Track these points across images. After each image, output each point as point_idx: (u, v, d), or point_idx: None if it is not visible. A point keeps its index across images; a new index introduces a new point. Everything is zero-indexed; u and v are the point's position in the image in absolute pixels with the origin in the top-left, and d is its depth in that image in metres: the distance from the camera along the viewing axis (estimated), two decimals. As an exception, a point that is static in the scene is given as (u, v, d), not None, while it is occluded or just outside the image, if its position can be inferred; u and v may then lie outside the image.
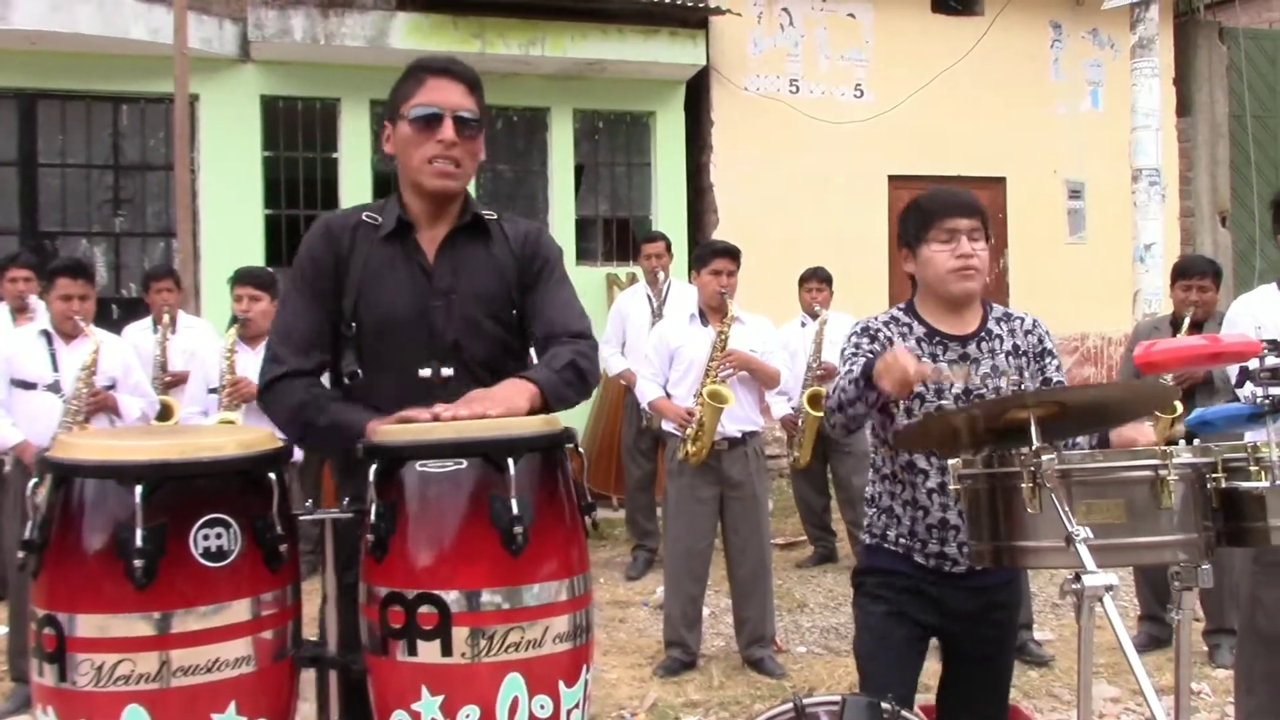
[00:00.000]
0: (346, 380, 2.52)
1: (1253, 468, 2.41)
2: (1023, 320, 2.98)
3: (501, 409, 2.21)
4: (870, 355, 2.78)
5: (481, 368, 2.51)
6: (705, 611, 5.74)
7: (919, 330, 2.90)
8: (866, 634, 2.95)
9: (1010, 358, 2.92)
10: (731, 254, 5.49)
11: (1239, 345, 2.48)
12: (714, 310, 5.50)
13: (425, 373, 2.47)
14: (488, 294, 2.52)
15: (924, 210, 2.90)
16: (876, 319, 2.94)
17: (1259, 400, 2.50)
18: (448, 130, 2.49)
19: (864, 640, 2.96)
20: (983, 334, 2.93)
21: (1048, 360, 2.96)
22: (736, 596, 5.50)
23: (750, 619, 5.42)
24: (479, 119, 2.57)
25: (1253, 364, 2.50)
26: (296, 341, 2.51)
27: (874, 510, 2.98)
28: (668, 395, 5.54)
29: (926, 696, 3.24)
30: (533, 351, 2.61)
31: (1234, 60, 12.08)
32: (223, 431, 2.51)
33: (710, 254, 5.52)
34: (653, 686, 5.16)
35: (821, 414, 6.83)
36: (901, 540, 2.89)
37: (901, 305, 2.99)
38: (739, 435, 5.40)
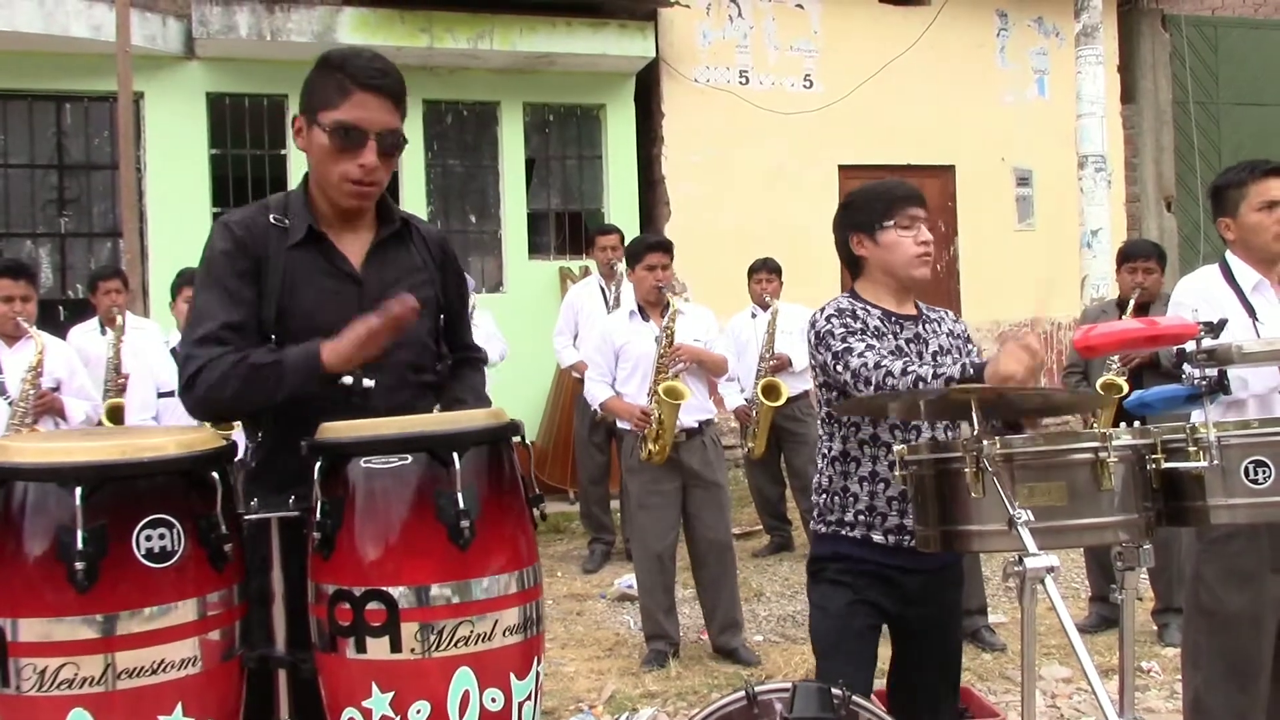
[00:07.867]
0: None
1: (1191, 448, 2.46)
2: (939, 312, 3.14)
3: None
4: (861, 331, 2.85)
5: (408, 369, 2.49)
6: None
7: (876, 313, 2.95)
8: (827, 622, 2.95)
9: (950, 338, 3.05)
10: (664, 247, 5.48)
11: (1176, 328, 2.52)
12: (652, 305, 5.50)
13: (347, 380, 2.32)
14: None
15: (887, 195, 2.97)
16: (839, 301, 2.96)
17: (1196, 382, 2.54)
18: (370, 155, 2.38)
19: (824, 629, 2.96)
20: (924, 317, 3.04)
21: (971, 348, 3.10)
22: (705, 585, 5.47)
23: (720, 606, 5.41)
24: (401, 135, 2.46)
25: (1189, 346, 2.54)
26: (217, 336, 2.33)
27: (824, 497, 2.99)
28: (617, 394, 5.53)
29: (877, 681, 3.27)
30: None
31: (1176, 47, 12.24)
32: (164, 431, 2.47)
33: (643, 249, 5.49)
34: (610, 678, 5.16)
35: (776, 404, 6.90)
36: (861, 518, 2.90)
37: (846, 294, 3.02)
38: (695, 425, 5.40)
